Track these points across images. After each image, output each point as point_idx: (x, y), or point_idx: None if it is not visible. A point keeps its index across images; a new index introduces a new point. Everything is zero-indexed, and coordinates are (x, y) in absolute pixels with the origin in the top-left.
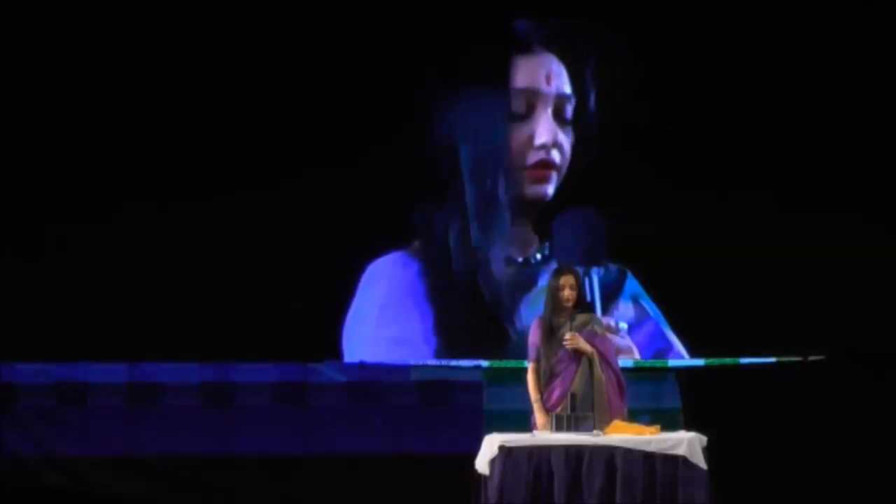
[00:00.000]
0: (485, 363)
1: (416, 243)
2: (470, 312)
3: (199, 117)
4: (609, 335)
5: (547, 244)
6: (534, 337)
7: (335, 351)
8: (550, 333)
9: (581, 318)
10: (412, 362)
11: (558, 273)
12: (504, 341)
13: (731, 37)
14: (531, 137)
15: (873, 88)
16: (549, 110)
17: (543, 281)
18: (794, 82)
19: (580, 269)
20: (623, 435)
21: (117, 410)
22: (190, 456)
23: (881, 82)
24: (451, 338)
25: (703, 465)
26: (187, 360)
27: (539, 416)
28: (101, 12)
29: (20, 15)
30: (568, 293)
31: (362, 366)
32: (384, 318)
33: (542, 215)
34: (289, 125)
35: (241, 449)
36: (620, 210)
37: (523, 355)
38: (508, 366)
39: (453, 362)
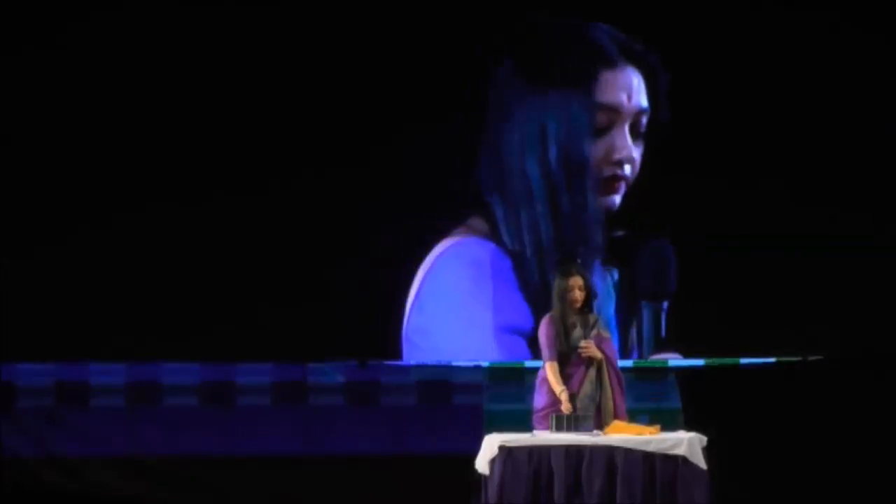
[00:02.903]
0: (485, 363)
1: (478, 225)
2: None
3: (202, 116)
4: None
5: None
6: (546, 336)
7: (395, 348)
8: (561, 335)
9: (590, 319)
10: (412, 362)
11: (566, 274)
12: None
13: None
14: (609, 152)
15: (879, 89)
16: (627, 125)
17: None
18: (796, 81)
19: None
20: (623, 435)
21: (117, 410)
22: (190, 456)
23: (888, 82)
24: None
25: (702, 464)
26: (187, 360)
27: (566, 405)
28: (97, 13)
29: (19, 14)
30: (577, 294)
31: (362, 366)
32: (500, 306)
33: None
34: (291, 125)
35: (241, 449)
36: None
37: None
38: (508, 366)
39: (453, 362)
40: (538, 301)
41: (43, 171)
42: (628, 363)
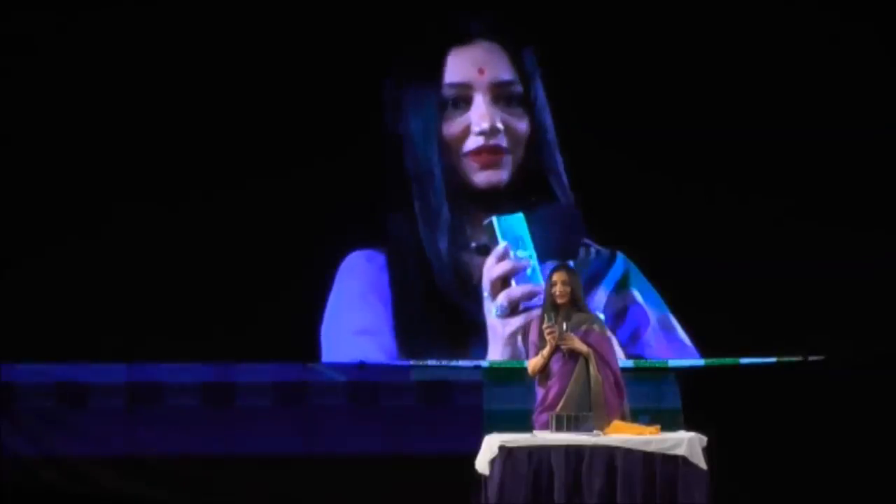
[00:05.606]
0: (485, 363)
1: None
2: (428, 306)
3: (195, 115)
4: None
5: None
6: (533, 335)
7: (315, 351)
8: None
9: (578, 317)
10: (413, 362)
11: (551, 272)
12: (469, 331)
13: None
14: (468, 127)
15: (877, 92)
16: (487, 98)
17: None
18: (788, 81)
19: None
20: (623, 435)
21: (117, 410)
22: (190, 456)
23: (885, 86)
24: (412, 330)
25: (703, 465)
26: (187, 360)
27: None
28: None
29: (18, 13)
30: (560, 288)
31: (362, 366)
32: (350, 310)
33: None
34: (291, 124)
35: (241, 449)
36: (614, 209)
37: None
38: (508, 366)
39: (453, 362)
40: (407, 298)
41: (42, 171)
42: (629, 363)
